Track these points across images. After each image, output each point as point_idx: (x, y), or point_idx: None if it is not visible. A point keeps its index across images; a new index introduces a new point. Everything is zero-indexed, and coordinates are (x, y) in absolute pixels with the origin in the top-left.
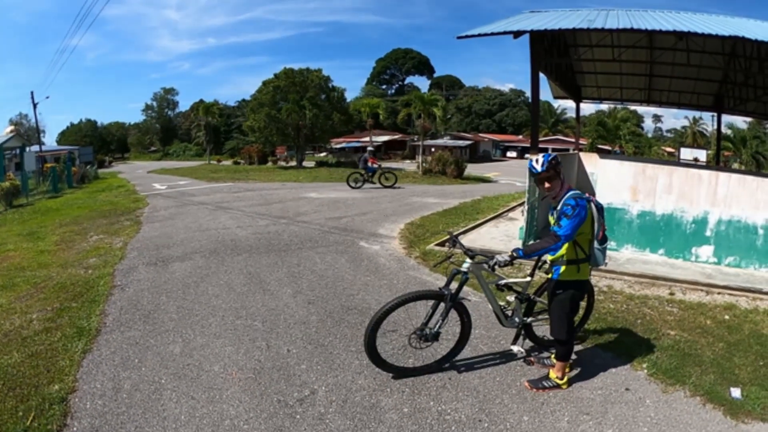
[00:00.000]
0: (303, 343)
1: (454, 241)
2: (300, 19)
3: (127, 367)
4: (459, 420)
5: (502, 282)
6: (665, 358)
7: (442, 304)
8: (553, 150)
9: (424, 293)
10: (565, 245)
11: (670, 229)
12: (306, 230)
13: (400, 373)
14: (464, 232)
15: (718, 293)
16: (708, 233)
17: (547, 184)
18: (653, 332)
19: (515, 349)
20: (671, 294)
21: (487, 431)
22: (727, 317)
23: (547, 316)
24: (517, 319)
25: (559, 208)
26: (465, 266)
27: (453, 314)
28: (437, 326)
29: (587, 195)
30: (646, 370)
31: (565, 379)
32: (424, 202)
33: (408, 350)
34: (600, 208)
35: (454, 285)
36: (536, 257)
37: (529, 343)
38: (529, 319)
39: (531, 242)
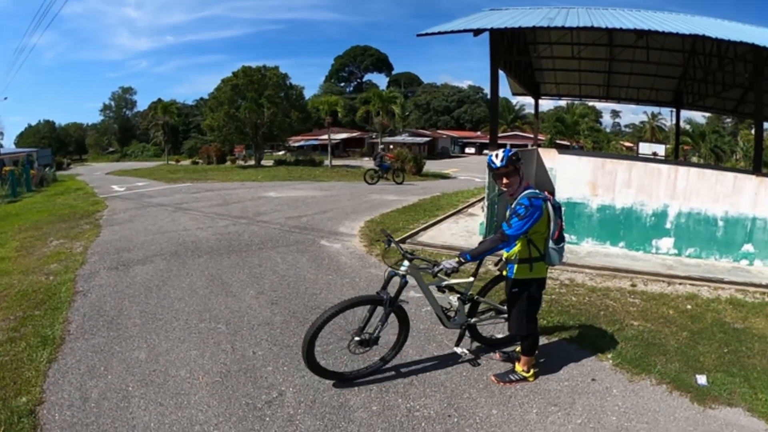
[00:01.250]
0: (268, 345)
1: (389, 241)
2: (258, 17)
3: (93, 376)
4: (428, 416)
5: (444, 283)
6: (630, 348)
7: (381, 308)
8: (512, 146)
9: (361, 299)
10: (519, 243)
11: (630, 222)
12: (266, 230)
13: (341, 378)
14: (424, 229)
15: (680, 284)
16: (668, 226)
17: (505, 180)
18: (617, 323)
19: (458, 350)
20: (633, 285)
21: (457, 426)
22: (689, 307)
23: (492, 315)
24: (460, 321)
25: (513, 206)
26: (403, 269)
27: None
28: (377, 331)
29: (544, 194)
30: (611, 361)
31: (532, 372)
32: (384, 199)
33: (348, 355)
34: (557, 207)
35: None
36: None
37: (475, 344)
38: (473, 320)
39: (477, 244)
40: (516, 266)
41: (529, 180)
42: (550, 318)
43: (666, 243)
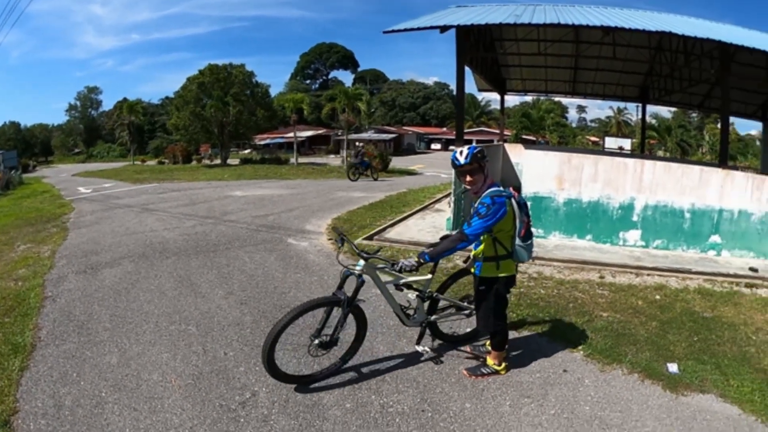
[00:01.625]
0: (239, 345)
1: (342, 239)
2: (224, 14)
3: (66, 383)
4: (402, 411)
5: (402, 281)
6: (600, 339)
7: (338, 309)
8: (478, 141)
9: (317, 302)
10: (485, 242)
11: (596, 215)
12: (233, 229)
13: (303, 382)
14: (391, 225)
15: (648, 275)
16: (635, 218)
17: (469, 177)
18: (586, 315)
19: (420, 349)
20: (601, 277)
21: (431, 420)
22: (658, 297)
23: (452, 312)
24: (420, 318)
25: (476, 204)
26: (358, 268)
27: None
28: (335, 332)
29: (507, 191)
30: (582, 352)
31: (503, 365)
32: (350, 196)
33: (309, 358)
34: (522, 204)
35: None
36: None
37: (437, 342)
38: (434, 317)
39: (437, 244)
40: (483, 264)
41: (493, 178)
42: (520, 311)
43: (633, 235)
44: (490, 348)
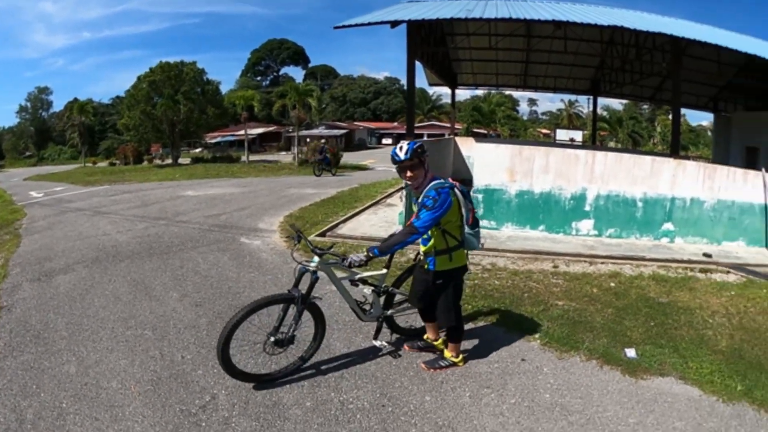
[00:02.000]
0: (196, 348)
1: (299, 236)
2: (176, 11)
3: (26, 395)
4: (362, 407)
5: (357, 277)
6: (556, 327)
7: (294, 306)
8: (429, 135)
9: (272, 298)
10: (435, 236)
11: (549, 206)
12: (186, 230)
13: (261, 380)
14: (344, 221)
15: (602, 263)
16: (587, 208)
17: (409, 173)
18: (541, 304)
19: (378, 344)
20: (555, 267)
21: (392, 415)
22: (613, 284)
23: (408, 306)
24: (376, 313)
25: (420, 200)
26: (313, 264)
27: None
28: (291, 330)
29: (450, 182)
30: (539, 341)
31: (461, 357)
32: (302, 193)
33: (267, 356)
34: (465, 193)
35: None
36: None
37: (394, 336)
38: (390, 312)
39: (387, 238)
40: (436, 259)
41: (445, 171)
42: (475, 303)
43: (586, 225)
44: (447, 341)
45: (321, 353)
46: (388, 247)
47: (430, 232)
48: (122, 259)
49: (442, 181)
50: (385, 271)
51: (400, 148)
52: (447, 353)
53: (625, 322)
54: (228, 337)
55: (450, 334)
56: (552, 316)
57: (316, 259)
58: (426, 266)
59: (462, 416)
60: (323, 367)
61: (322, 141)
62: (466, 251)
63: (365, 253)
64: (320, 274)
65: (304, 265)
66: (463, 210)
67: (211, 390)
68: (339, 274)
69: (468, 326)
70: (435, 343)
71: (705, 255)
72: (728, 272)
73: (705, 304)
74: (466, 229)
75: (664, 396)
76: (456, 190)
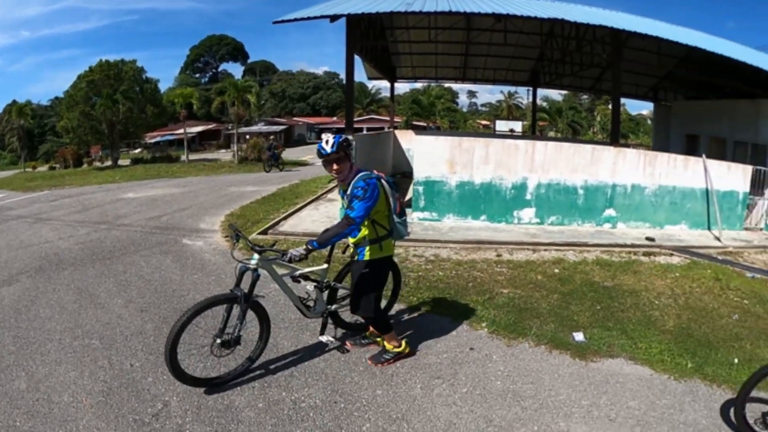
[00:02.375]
0: (144, 355)
1: (237, 235)
2: (115, 7)
3: None
4: (315, 405)
5: (298, 273)
6: (503, 315)
7: (237, 306)
8: (368, 129)
9: (214, 299)
10: (365, 226)
11: (490, 196)
12: (128, 234)
13: (212, 384)
14: (285, 218)
15: (545, 250)
16: (528, 197)
17: (335, 166)
18: (487, 293)
19: (324, 339)
20: (498, 256)
21: (345, 411)
22: (557, 270)
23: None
24: (320, 309)
25: (349, 192)
26: (253, 262)
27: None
28: (237, 330)
29: (376, 173)
30: (486, 329)
31: (404, 343)
32: (243, 191)
33: (216, 359)
34: (391, 183)
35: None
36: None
37: (340, 331)
38: (334, 307)
39: (324, 231)
40: (367, 249)
41: (358, 165)
42: (420, 294)
43: (528, 213)
44: (380, 334)
45: (269, 352)
46: (327, 239)
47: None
48: (66, 267)
49: (368, 172)
50: (326, 266)
51: (326, 141)
52: (388, 345)
53: (572, 307)
54: (174, 342)
55: (376, 326)
56: (498, 304)
57: (256, 256)
58: (356, 257)
59: (415, 408)
60: (272, 367)
61: (271, 137)
62: (393, 241)
63: (304, 247)
64: (261, 271)
65: (245, 264)
66: (391, 200)
67: (163, 397)
68: (280, 271)
69: (414, 317)
70: (378, 339)
71: (648, 239)
72: (672, 255)
73: (650, 286)
74: (395, 218)
75: (615, 377)
76: (383, 180)
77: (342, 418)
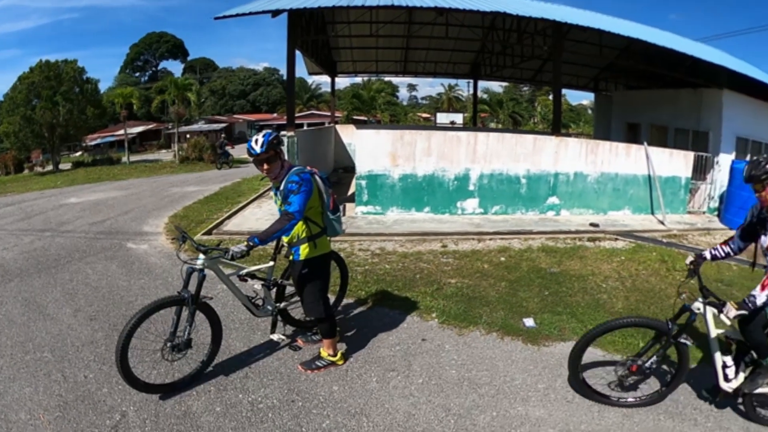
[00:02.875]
0: (97, 365)
1: (183, 237)
2: (55, 5)
3: None
4: (272, 405)
5: (244, 272)
6: (452, 305)
7: (186, 308)
8: (309, 125)
9: (161, 302)
10: (297, 225)
11: (433, 188)
12: (72, 240)
13: (168, 390)
14: (228, 217)
15: (490, 239)
16: (471, 188)
17: (266, 165)
18: (435, 283)
19: (275, 337)
20: (444, 246)
21: (303, 409)
22: (503, 259)
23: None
24: (269, 307)
25: (282, 187)
26: (199, 263)
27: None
28: (187, 333)
29: (309, 168)
30: (436, 319)
31: (339, 354)
32: (185, 191)
33: (168, 365)
34: (324, 179)
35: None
36: (275, 240)
37: (290, 328)
38: (283, 304)
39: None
40: (301, 247)
41: (300, 161)
42: (368, 288)
43: (471, 204)
44: (321, 338)
45: (222, 354)
46: (268, 235)
47: None
48: (11, 278)
49: (301, 167)
50: (272, 263)
51: (256, 141)
52: (323, 352)
53: (520, 294)
54: (124, 348)
55: (322, 329)
56: (446, 295)
57: (202, 256)
58: (291, 257)
59: (373, 402)
60: (227, 369)
61: (222, 136)
62: (329, 237)
63: (246, 244)
64: (208, 272)
65: (191, 265)
66: (324, 196)
67: (120, 407)
68: (227, 270)
69: (364, 311)
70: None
71: (592, 225)
72: (616, 239)
73: (597, 270)
74: (329, 215)
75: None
76: (316, 176)
77: (301, 417)
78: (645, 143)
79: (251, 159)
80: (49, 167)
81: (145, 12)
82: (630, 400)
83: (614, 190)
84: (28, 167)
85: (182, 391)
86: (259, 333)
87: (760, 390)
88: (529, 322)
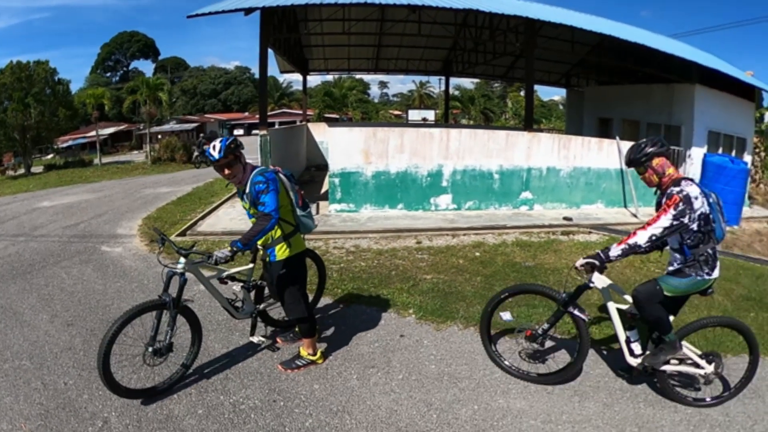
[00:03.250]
0: (76, 371)
1: (162, 239)
2: (26, 5)
3: None
4: (254, 406)
5: (224, 274)
6: (429, 301)
7: (167, 312)
8: (281, 123)
9: (143, 307)
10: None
11: (406, 184)
12: (46, 245)
13: (148, 395)
14: (202, 218)
15: (464, 234)
16: (444, 184)
17: (227, 170)
18: (410, 280)
19: (255, 339)
20: (418, 243)
21: (285, 409)
22: (478, 254)
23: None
24: (249, 309)
25: (248, 190)
26: (180, 266)
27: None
28: (168, 337)
29: (272, 167)
30: (414, 315)
31: (318, 353)
32: (158, 192)
33: (148, 369)
34: (289, 177)
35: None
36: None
37: (270, 329)
38: (262, 306)
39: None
40: (276, 248)
41: (272, 161)
42: (344, 286)
43: (445, 200)
44: (300, 337)
45: (202, 357)
46: (249, 238)
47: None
48: None
49: (263, 167)
50: (251, 265)
51: (213, 147)
52: (303, 351)
53: (496, 288)
54: (106, 354)
55: (302, 329)
56: (423, 290)
57: (183, 260)
58: (267, 259)
59: (354, 399)
60: (207, 371)
61: (201, 135)
62: (302, 235)
63: (229, 249)
64: (188, 275)
65: (171, 268)
66: (291, 194)
67: (101, 414)
68: (207, 273)
69: (341, 309)
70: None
71: (565, 219)
72: (590, 232)
73: (571, 263)
74: (299, 212)
75: (548, 351)
76: (280, 174)
77: (284, 417)
78: (617, 138)
79: (210, 165)
80: (21, 170)
81: (117, 11)
82: (541, 372)
83: (587, 184)
84: (0, 171)
85: (164, 395)
86: (238, 334)
87: (670, 368)
88: (506, 315)
